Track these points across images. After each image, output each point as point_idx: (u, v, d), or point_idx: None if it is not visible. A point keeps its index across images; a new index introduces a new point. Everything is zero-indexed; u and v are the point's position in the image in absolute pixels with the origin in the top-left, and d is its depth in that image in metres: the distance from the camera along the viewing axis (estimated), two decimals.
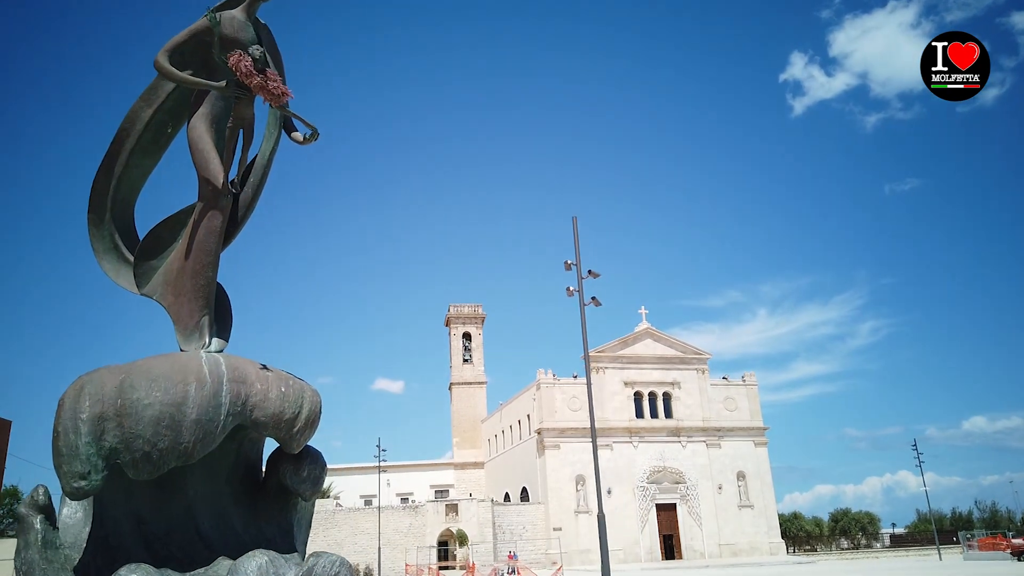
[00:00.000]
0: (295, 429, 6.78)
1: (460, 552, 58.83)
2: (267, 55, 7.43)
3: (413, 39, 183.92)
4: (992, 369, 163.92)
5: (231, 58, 6.81)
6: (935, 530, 66.07)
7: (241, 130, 7.42)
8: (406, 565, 41.08)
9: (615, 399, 68.38)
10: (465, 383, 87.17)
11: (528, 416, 70.16)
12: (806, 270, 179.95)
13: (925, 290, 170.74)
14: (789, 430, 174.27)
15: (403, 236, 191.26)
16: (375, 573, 55.05)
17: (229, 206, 7.38)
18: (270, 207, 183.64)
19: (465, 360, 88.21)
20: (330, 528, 59.46)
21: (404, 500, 76.71)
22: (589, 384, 16.26)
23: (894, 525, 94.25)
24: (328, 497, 72.32)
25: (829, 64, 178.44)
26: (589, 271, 17.83)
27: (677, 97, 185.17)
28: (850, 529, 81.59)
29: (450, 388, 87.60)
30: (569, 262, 17.72)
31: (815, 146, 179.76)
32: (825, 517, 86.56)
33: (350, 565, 6.60)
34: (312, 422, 6.97)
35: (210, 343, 7.11)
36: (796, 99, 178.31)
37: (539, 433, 66.06)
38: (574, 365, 70.55)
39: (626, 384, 69.04)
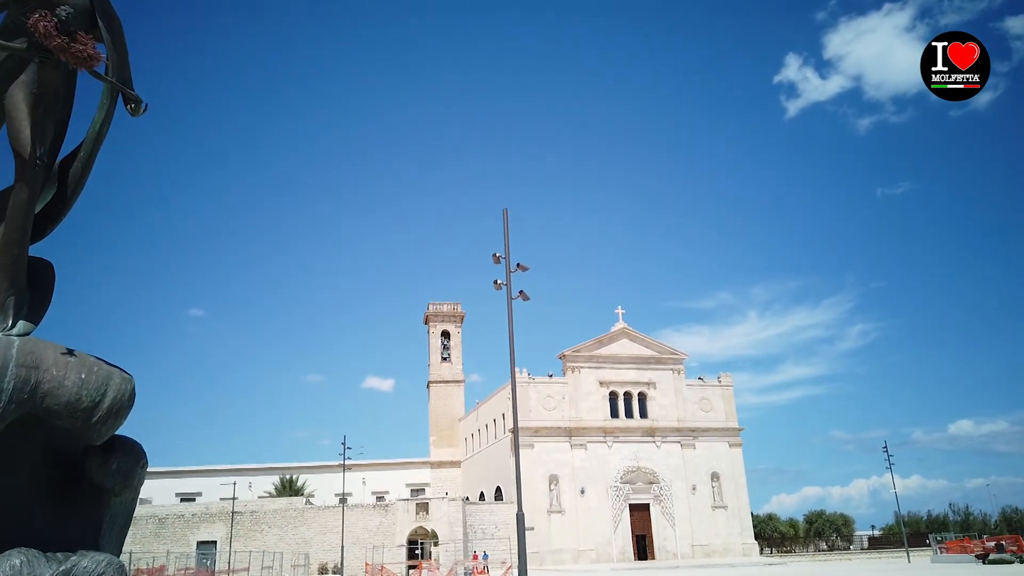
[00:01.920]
0: (94, 419, 6.38)
1: (435, 551, 58.58)
2: (97, 25, 7.03)
3: (413, 36, 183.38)
4: (979, 373, 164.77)
5: (31, 17, 6.41)
6: (904, 533, 66.25)
7: (50, 99, 6.99)
8: (366, 564, 40.69)
9: (590, 399, 68.14)
10: (443, 381, 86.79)
11: (503, 415, 69.81)
12: (796, 273, 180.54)
13: (915, 294, 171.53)
14: (777, 432, 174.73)
15: (388, 235, 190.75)
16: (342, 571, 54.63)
17: (41, 180, 6.99)
18: (257, 208, 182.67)
19: (443, 358, 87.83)
20: (299, 526, 58.98)
21: (380, 499, 76.19)
22: (514, 385, 15.92)
23: (873, 527, 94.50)
24: (300, 495, 71.84)
25: (823, 66, 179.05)
26: (518, 264, 17.49)
27: (671, 97, 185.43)
28: (824, 531, 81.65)
29: (428, 386, 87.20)
30: (498, 255, 17.36)
31: (808, 149, 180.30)
32: (813, 519, 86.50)
33: (121, 565, 6.20)
34: (117, 412, 6.58)
35: (13, 325, 6.72)
36: (790, 101, 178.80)
37: (512, 432, 65.65)
38: (553, 364, 70.27)
39: (601, 384, 68.80)
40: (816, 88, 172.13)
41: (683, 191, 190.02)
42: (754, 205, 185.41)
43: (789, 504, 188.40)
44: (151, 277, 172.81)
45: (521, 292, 17.66)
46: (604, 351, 70.17)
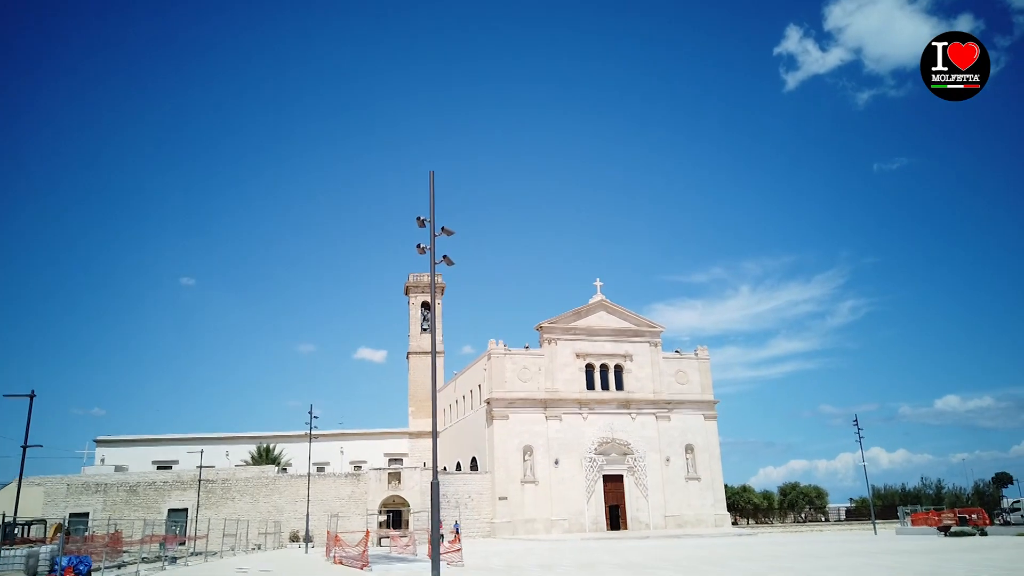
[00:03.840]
0: None
1: (412, 519, 58.99)
2: None
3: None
4: (966, 349, 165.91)
5: None
6: (873, 506, 66.95)
7: None
8: (327, 532, 40.77)
9: (566, 370, 68.07)
10: (423, 352, 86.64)
11: (479, 386, 69.80)
12: (790, 248, 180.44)
13: (906, 270, 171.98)
14: (767, 406, 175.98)
15: (373, 208, 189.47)
16: (314, 539, 54.81)
17: None
18: (249, 182, 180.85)
19: (423, 329, 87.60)
20: (271, 494, 59.06)
21: (357, 468, 76.41)
22: (433, 359, 15.56)
23: (851, 500, 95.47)
24: (277, 464, 71.94)
25: (824, 38, 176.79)
26: (443, 228, 16.99)
27: (668, 66, 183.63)
28: (798, 503, 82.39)
29: (408, 357, 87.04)
30: (422, 218, 16.87)
31: (806, 122, 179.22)
32: (787, 491, 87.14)
33: None
34: None
35: None
36: (789, 73, 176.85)
37: (488, 403, 65.73)
38: (531, 336, 70.04)
39: (578, 355, 68.70)
40: (816, 61, 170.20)
41: (677, 164, 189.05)
42: (750, 179, 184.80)
43: (776, 476, 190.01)
44: (142, 245, 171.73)
45: (445, 257, 17.18)
46: (581, 323, 69.96)
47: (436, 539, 15.18)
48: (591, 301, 71.05)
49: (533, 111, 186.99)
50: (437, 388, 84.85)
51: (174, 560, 36.84)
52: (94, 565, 27.01)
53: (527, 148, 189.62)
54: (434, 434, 15.29)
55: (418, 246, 16.78)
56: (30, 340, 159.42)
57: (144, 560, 35.17)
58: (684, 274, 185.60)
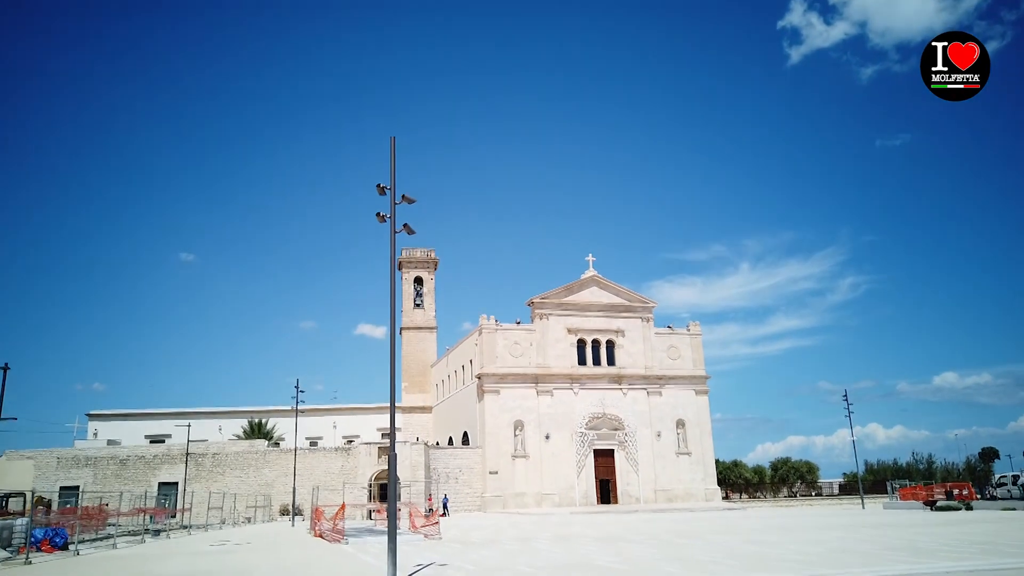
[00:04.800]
0: None
1: (403, 493, 59.16)
2: None
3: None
4: (966, 327, 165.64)
5: None
6: (861, 481, 67.27)
7: None
8: (313, 506, 40.87)
9: (558, 346, 67.91)
10: (416, 328, 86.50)
11: (471, 361, 69.72)
12: (790, 225, 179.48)
13: (906, 248, 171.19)
14: (765, 383, 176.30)
15: (375, 182, 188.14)
16: (303, 512, 55.08)
17: None
18: (252, 159, 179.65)
19: (416, 305, 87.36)
20: (261, 468, 59.25)
21: (350, 442, 76.62)
22: (393, 315, 15.27)
23: (844, 475, 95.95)
24: (270, 438, 72.17)
25: (828, 12, 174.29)
26: (403, 196, 16.61)
27: (669, 38, 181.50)
28: (789, 477, 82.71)
29: (400, 332, 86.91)
30: (382, 186, 16.47)
31: (808, 97, 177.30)
32: (779, 466, 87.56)
33: None
34: None
35: None
36: (793, 47, 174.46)
37: (479, 378, 65.69)
38: (524, 311, 69.70)
39: (569, 331, 68.50)
40: (820, 34, 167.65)
41: (677, 139, 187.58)
42: (750, 155, 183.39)
43: (774, 452, 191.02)
44: (141, 221, 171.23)
45: (405, 225, 16.80)
46: (573, 298, 69.68)
47: (393, 512, 14.99)
48: (583, 276, 70.72)
49: (531, 88, 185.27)
50: (429, 364, 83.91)
51: (158, 533, 36.98)
52: (72, 537, 27.01)
53: (526, 123, 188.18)
54: (392, 409, 15.04)
55: (378, 214, 16.41)
56: (30, 314, 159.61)
57: (131, 533, 35.34)
58: (684, 252, 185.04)
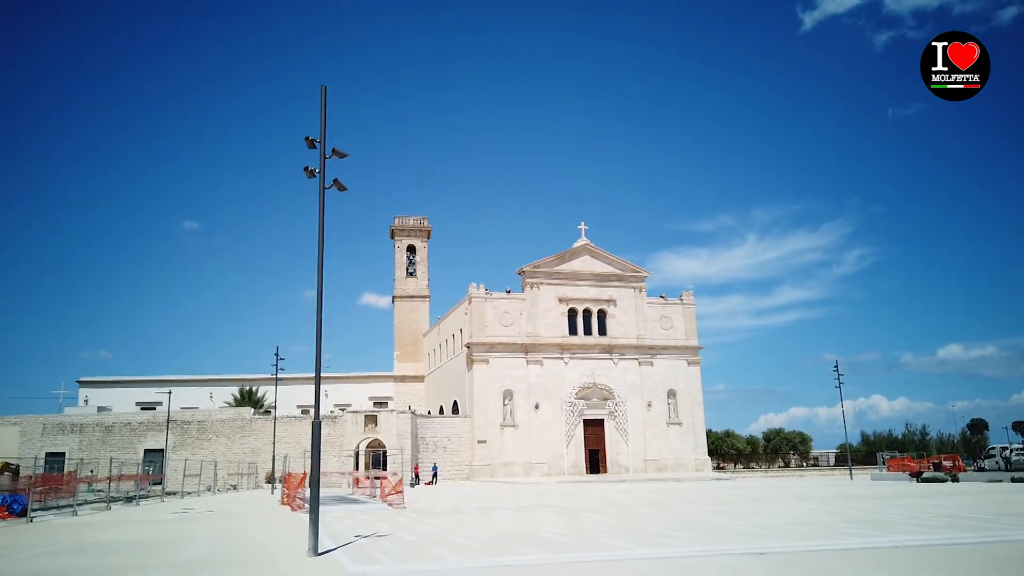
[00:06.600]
0: None
1: (390, 461, 59.14)
2: None
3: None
4: (971, 299, 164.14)
5: None
6: (849, 452, 66.93)
7: None
8: (287, 474, 40.60)
9: (549, 315, 67.24)
10: (408, 296, 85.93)
11: (460, 330, 69.18)
12: (799, 196, 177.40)
13: (914, 219, 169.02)
14: (770, 354, 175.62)
15: (383, 152, 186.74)
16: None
17: None
18: (256, 127, 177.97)
19: (409, 273, 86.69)
20: (248, 436, 59.18)
21: (342, 410, 76.55)
22: (320, 285, 14.49)
23: (840, 447, 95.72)
24: (260, 406, 72.10)
25: None
26: (334, 150, 15.70)
27: (683, 3, 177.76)
28: (781, 448, 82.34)
29: (393, 301, 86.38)
30: (312, 139, 15.58)
31: (821, 64, 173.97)
32: (771, 437, 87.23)
33: None
34: None
35: None
36: (806, 13, 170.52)
37: (468, 347, 65.16)
38: (515, 280, 68.85)
39: (561, 300, 67.77)
40: None
41: (687, 108, 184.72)
42: (760, 124, 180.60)
43: (777, 423, 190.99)
44: (145, 189, 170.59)
45: (336, 181, 15.93)
46: (565, 267, 68.84)
47: (316, 481, 14.32)
48: (575, 245, 69.79)
49: (529, 49, 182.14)
50: (422, 333, 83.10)
51: (130, 500, 36.75)
52: (29, 504, 26.67)
53: (525, 88, 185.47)
54: (317, 377, 14.33)
55: (306, 168, 15.54)
56: (36, 282, 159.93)
57: (106, 501, 35.03)
58: (691, 223, 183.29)
